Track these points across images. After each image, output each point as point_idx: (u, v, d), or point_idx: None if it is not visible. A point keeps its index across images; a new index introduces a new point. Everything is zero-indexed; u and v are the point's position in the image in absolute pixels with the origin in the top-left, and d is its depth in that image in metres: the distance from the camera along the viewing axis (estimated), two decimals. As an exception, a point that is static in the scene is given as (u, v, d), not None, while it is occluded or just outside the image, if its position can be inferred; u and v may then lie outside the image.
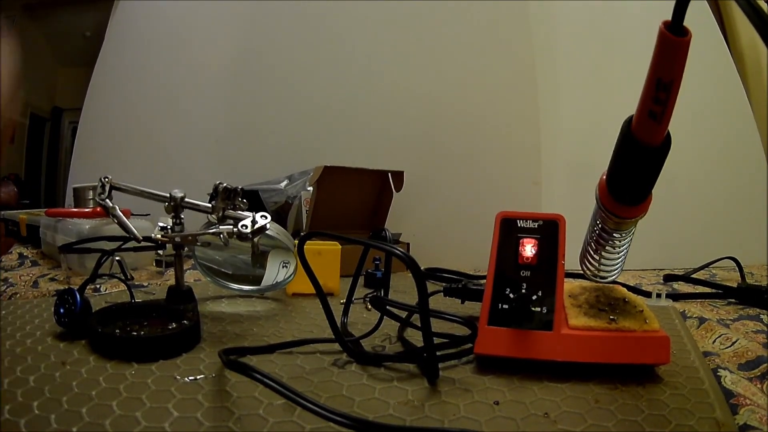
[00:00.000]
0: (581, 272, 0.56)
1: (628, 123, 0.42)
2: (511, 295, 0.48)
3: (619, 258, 0.53)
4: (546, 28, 1.31)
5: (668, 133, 0.41)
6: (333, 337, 0.52)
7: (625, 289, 0.53)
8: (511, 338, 0.46)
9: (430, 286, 0.71)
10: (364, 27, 1.37)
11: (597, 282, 0.55)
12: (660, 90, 0.37)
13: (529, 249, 0.49)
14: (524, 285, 0.48)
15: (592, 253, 0.54)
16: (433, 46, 1.33)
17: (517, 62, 1.31)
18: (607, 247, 0.52)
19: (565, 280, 0.50)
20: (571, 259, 0.52)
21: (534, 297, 0.48)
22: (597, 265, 0.54)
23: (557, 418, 0.38)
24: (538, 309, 0.47)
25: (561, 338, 0.46)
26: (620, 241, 0.51)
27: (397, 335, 0.56)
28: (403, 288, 0.85)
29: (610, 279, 0.54)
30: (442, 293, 0.67)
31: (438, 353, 0.47)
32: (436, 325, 0.47)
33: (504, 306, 0.48)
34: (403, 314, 0.57)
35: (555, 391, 0.42)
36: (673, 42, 0.35)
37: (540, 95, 1.28)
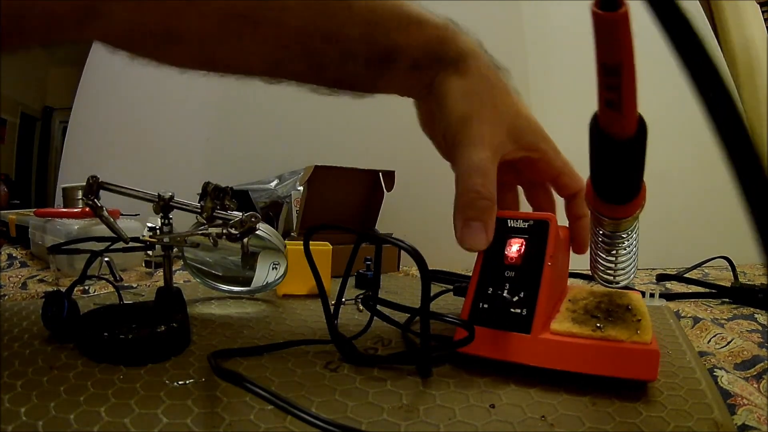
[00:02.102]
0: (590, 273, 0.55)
1: (595, 118, 0.40)
2: (492, 295, 0.47)
3: (631, 258, 0.52)
4: (539, 29, 1.31)
5: (643, 123, 0.39)
6: (324, 338, 0.51)
7: (639, 296, 0.51)
8: (489, 338, 0.45)
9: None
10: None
11: (611, 288, 0.53)
12: (609, 75, 0.34)
13: (514, 249, 0.49)
14: (507, 285, 0.47)
15: (602, 260, 0.53)
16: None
17: (509, 62, 1.31)
18: (612, 251, 0.51)
19: (579, 283, 0.49)
20: (582, 259, 0.51)
21: (515, 298, 0.46)
22: (612, 270, 0.53)
23: (554, 421, 0.37)
24: (518, 310, 0.46)
25: (537, 342, 0.44)
26: (627, 241, 0.50)
27: (388, 337, 0.56)
28: (394, 289, 0.85)
29: (624, 283, 0.53)
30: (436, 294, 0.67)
31: (433, 354, 0.46)
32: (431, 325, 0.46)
33: (484, 305, 0.47)
34: (395, 315, 0.56)
35: (551, 393, 0.42)
36: (604, 19, 0.31)
37: (532, 96, 1.28)
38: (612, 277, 0.53)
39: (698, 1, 1.62)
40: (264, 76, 0.56)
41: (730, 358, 0.53)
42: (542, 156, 0.56)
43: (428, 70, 0.55)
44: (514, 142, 0.54)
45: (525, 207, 0.62)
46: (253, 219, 0.54)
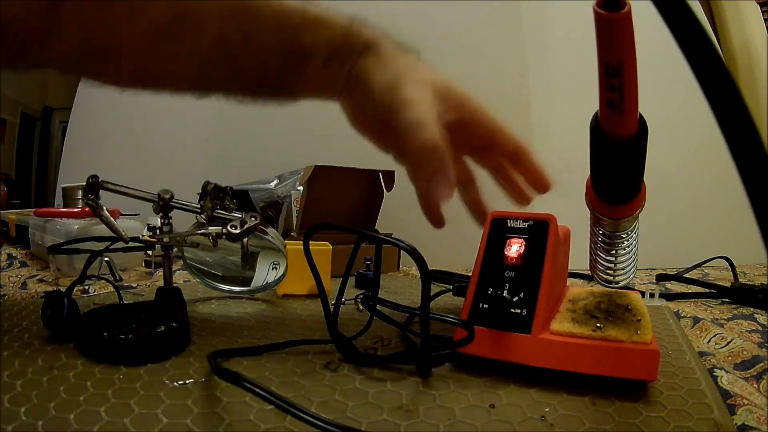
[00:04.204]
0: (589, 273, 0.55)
1: (595, 118, 0.40)
2: (492, 295, 0.47)
3: (630, 258, 0.51)
4: (539, 28, 1.31)
5: (644, 124, 0.39)
6: (324, 338, 0.51)
7: (639, 296, 0.50)
8: (490, 339, 0.45)
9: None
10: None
11: (611, 288, 0.53)
12: (610, 75, 0.34)
13: (514, 249, 0.48)
14: (507, 285, 0.47)
15: (601, 260, 0.53)
16: (424, 46, 1.33)
17: (510, 63, 1.31)
18: (612, 251, 0.51)
19: (579, 284, 0.49)
20: (581, 259, 0.50)
21: (515, 298, 0.46)
22: (612, 270, 0.53)
23: (554, 421, 0.37)
24: (518, 311, 0.46)
25: (537, 342, 0.44)
26: (627, 241, 0.50)
27: (388, 337, 0.56)
28: (394, 289, 0.85)
29: (623, 282, 0.53)
30: (435, 294, 0.66)
31: (433, 354, 0.46)
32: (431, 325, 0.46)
33: (484, 305, 0.47)
34: (395, 315, 0.56)
35: (551, 393, 0.42)
36: (607, 19, 0.32)
37: (532, 96, 1.28)
38: (611, 277, 0.53)
39: (698, 1, 1.62)
40: (192, 86, 0.60)
41: (729, 358, 0.52)
42: (473, 115, 0.57)
43: (339, 66, 0.57)
44: (442, 103, 0.54)
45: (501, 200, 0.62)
46: (253, 219, 0.54)
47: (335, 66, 0.57)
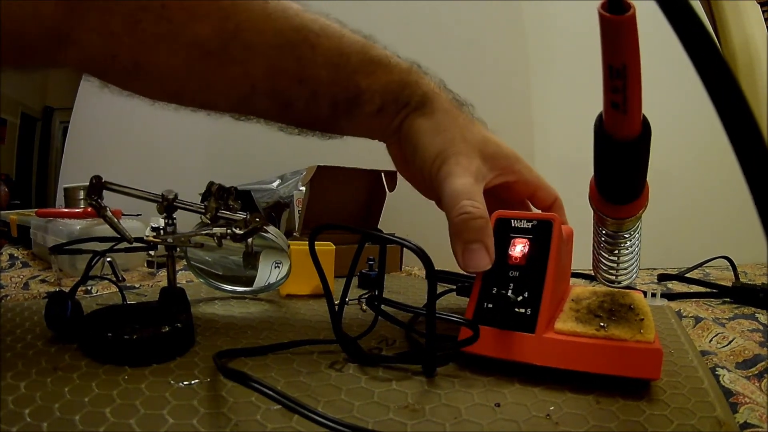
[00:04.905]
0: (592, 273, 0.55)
1: (599, 119, 0.40)
2: (496, 295, 0.47)
3: (633, 258, 0.52)
4: (540, 28, 1.31)
5: (647, 124, 0.39)
6: (329, 338, 0.51)
7: (642, 296, 0.50)
8: (494, 338, 0.45)
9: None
10: (355, 26, 1.37)
11: (614, 287, 0.53)
12: (614, 77, 0.35)
13: (518, 249, 0.49)
14: (511, 285, 0.47)
15: (604, 260, 0.53)
16: (425, 46, 1.33)
17: (511, 62, 1.31)
18: (615, 251, 0.51)
19: (582, 283, 0.49)
20: (584, 259, 0.50)
21: (519, 298, 0.46)
22: (615, 270, 0.53)
23: (559, 420, 0.37)
24: (523, 310, 0.46)
25: (541, 342, 0.44)
26: (630, 241, 0.50)
27: (392, 337, 0.56)
28: (397, 288, 0.85)
29: (626, 282, 0.53)
30: (440, 293, 0.66)
31: (438, 353, 0.46)
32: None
33: (489, 305, 0.47)
34: (399, 314, 0.56)
35: (556, 392, 0.42)
36: (612, 22, 0.32)
37: (533, 96, 1.28)
38: (614, 277, 0.53)
39: (698, 1, 1.62)
40: (231, 112, 0.57)
41: (731, 357, 0.53)
42: (518, 177, 0.58)
43: (394, 115, 0.57)
44: (491, 169, 0.55)
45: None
46: (257, 219, 0.55)
47: (388, 115, 0.57)
